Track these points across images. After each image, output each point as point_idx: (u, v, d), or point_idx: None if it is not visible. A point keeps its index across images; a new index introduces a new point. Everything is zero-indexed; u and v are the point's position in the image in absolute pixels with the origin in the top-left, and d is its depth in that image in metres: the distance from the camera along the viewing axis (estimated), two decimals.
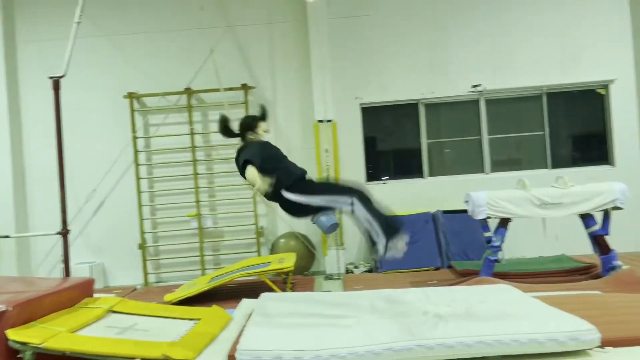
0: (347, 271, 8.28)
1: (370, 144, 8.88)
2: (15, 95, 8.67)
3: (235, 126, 4.37)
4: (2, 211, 8.35)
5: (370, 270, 8.26)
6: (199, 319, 4.39)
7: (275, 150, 4.40)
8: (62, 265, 6.41)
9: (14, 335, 3.60)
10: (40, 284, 4.71)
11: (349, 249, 8.46)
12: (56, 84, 6.18)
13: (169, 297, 6.48)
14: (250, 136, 4.33)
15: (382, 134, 9.02)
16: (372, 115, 8.85)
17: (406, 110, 8.80)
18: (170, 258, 8.66)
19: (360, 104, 8.71)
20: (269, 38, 8.76)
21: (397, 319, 3.77)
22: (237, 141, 4.48)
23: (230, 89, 8.44)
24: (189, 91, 8.57)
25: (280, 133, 8.76)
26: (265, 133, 4.40)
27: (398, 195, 8.44)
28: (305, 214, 4.16)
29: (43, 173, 8.50)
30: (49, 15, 8.68)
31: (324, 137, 8.30)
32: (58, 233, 6.16)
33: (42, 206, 8.59)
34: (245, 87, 8.52)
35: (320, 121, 8.34)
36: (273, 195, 4.06)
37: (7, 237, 7.49)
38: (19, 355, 3.61)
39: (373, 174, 8.84)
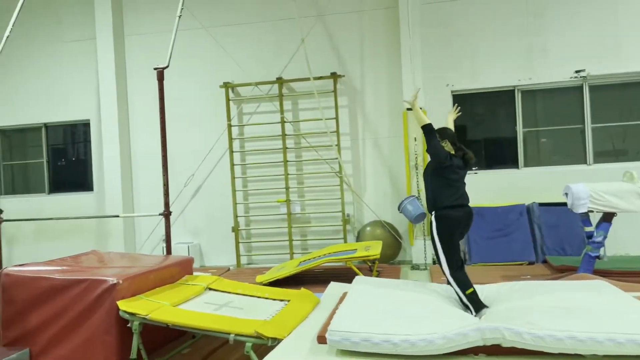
0: (434, 262, 8.15)
1: (460, 132, 8.62)
2: (123, 86, 9.35)
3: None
4: (112, 194, 9.10)
5: None
6: (288, 300, 4.56)
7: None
8: (164, 244, 6.89)
9: (124, 306, 3.95)
10: (145, 261, 5.11)
11: None
12: (160, 75, 6.59)
13: (260, 278, 6.76)
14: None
15: (473, 122, 8.73)
16: (464, 102, 8.58)
17: (501, 98, 8.44)
18: (261, 241, 8.99)
19: (452, 91, 8.48)
20: (358, 26, 8.75)
21: (485, 310, 3.70)
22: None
23: (320, 77, 8.55)
24: (280, 80, 8.79)
25: (368, 122, 8.75)
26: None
27: (490, 186, 8.18)
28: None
29: (147, 159, 9.16)
30: (152, 9, 9.27)
31: (413, 126, 8.18)
32: (161, 214, 6.61)
33: (147, 189, 9.26)
34: (334, 76, 8.60)
35: (409, 109, 8.22)
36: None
37: (117, 216, 8.19)
38: (128, 325, 3.95)
39: None
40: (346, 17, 8.76)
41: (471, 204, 4.43)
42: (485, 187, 8.24)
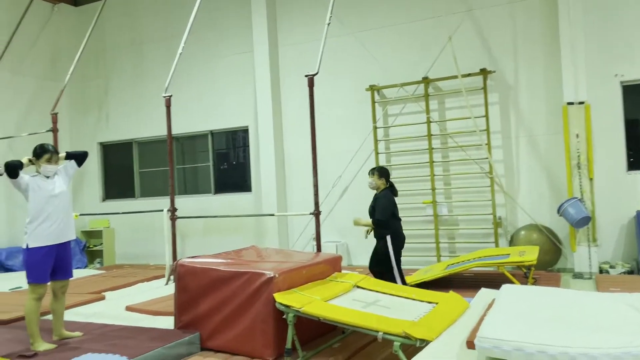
0: (601, 271, 7.39)
1: (632, 127, 7.71)
2: (277, 94, 9.99)
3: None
4: (268, 194, 9.77)
5: (631, 272, 7.22)
6: (436, 303, 4.48)
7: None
8: (314, 242, 7.21)
9: (280, 298, 4.22)
10: (298, 257, 5.40)
11: (603, 245, 7.54)
12: (311, 82, 6.91)
13: (407, 279, 6.72)
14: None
15: None
16: (636, 93, 7.65)
17: None
18: (407, 243, 8.88)
19: (622, 82, 7.61)
20: (511, 18, 8.28)
21: None
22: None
23: (468, 74, 8.26)
24: (426, 80, 8.67)
25: (522, 119, 8.23)
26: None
27: None
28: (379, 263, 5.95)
29: (299, 161, 9.66)
30: (303, 19, 9.76)
31: (575, 121, 7.50)
32: (311, 214, 6.94)
33: (298, 190, 9.77)
34: (484, 72, 8.24)
35: (570, 103, 7.56)
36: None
37: (272, 215, 8.77)
38: (283, 316, 4.21)
39: (636, 162, 7.66)
40: (497, 10, 8.35)
41: None
42: None
